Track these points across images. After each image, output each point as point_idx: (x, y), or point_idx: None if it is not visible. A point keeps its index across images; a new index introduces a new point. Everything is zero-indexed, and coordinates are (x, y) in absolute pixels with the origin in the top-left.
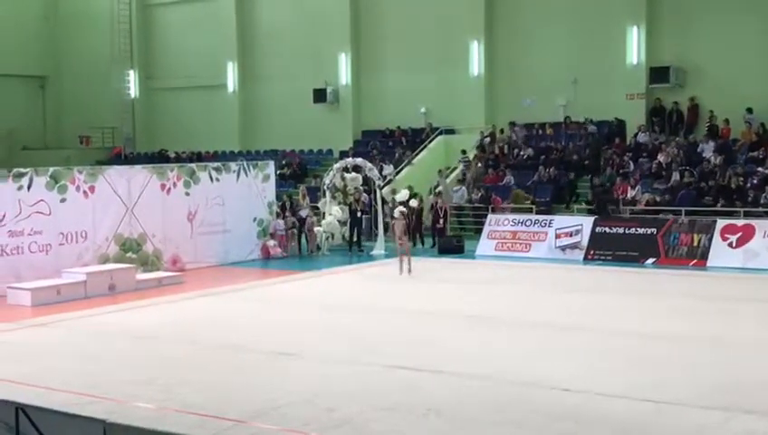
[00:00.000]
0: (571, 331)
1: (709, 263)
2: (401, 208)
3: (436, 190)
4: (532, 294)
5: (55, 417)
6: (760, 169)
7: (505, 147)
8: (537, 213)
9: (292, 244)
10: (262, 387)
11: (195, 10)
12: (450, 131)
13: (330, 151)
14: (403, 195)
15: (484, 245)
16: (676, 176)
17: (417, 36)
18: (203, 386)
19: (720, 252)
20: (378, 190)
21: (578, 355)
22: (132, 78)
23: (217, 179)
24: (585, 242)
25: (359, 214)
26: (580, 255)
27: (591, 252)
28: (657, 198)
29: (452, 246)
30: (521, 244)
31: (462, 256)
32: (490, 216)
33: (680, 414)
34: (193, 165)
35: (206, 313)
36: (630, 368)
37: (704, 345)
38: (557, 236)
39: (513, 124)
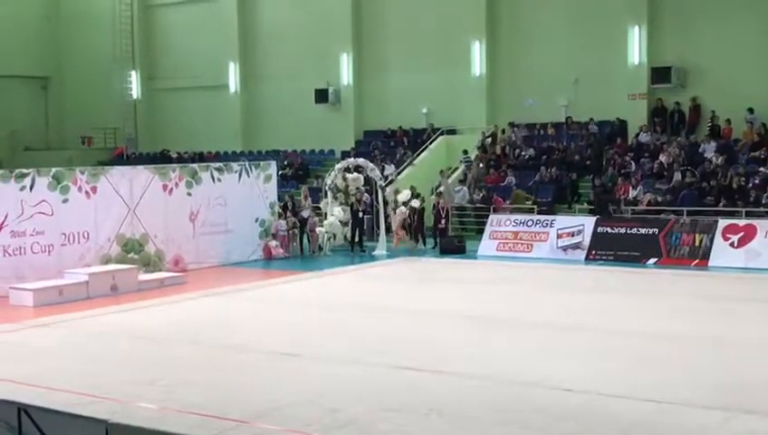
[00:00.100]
0: (573, 331)
1: (711, 263)
2: (403, 209)
3: (438, 191)
4: (533, 294)
5: (57, 417)
6: (761, 169)
7: (507, 147)
8: (539, 213)
9: (294, 244)
10: (264, 387)
11: (196, 10)
12: (452, 132)
13: (331, 152)
14: (405, 195)
15: (486, 245)
16: (677, 176)
17: (419, 36)
18: (205, 386)
19: (722, 252)
20: (379, 191)
21: (579, 355)
22: (134, 78)
23: (219, 180)
24: (587, 242)
25: (360, 214)
26: (581, 255)
27: (593, 252)
28: (659, 199)
29: (454, 246)
30: (522, 244)
31: (464, 256)
32: (492, 216)
33: (682, 414)
34: (195, 165)
35: (209, 313)
36: (632, 368)
37: (705, 345)
38: (559, 237)
39: (512, 125)
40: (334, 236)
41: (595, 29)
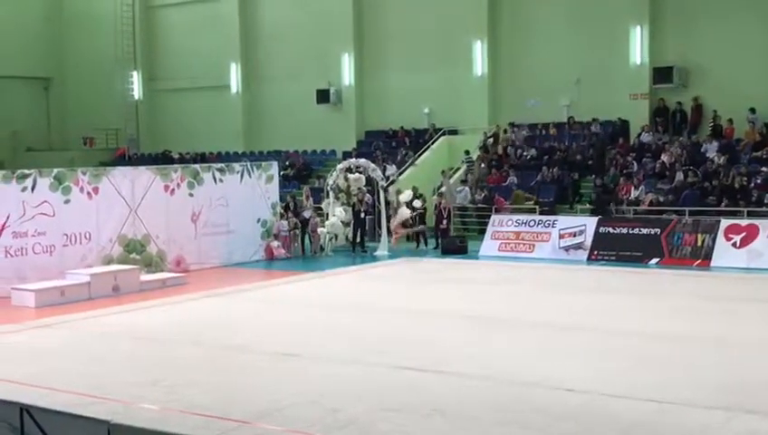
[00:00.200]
0: (574, 331)
1: (713, 263)
2: (405, 209)
3: (440, 191)
4: (534, 294)
5: (59, 418)
6: (763, 168)
7: (508, 147)
8: (540, 213)
9: (296, 245)
10: (266, 388)
11: (198, 11)
12: (453, 132)
13: (333, 152)
14: (407, 195)
15: (488, 245)
16: (679, 176)
17: (421, 36)
18: (207, 387)
19: (724, 252)
20: (381, 191)
21: (580, 355)
22: (136, 79)
23: (221, 180)
24: (589, 242)
25: (362, 215)
26: (583, 255)
27: (595, 252)
28: (661, 198)
29: (455, 246)
30: (524, 244)
31: (465, 256)
32: (493, 216)
33: (683, 414)
34: (197, 166)
35: (210, 313)
36: (633, 368)
37: (707, 345)
38: (560, 237)
39: (512, 125)
40: (336, 236)
41: (597, 29)
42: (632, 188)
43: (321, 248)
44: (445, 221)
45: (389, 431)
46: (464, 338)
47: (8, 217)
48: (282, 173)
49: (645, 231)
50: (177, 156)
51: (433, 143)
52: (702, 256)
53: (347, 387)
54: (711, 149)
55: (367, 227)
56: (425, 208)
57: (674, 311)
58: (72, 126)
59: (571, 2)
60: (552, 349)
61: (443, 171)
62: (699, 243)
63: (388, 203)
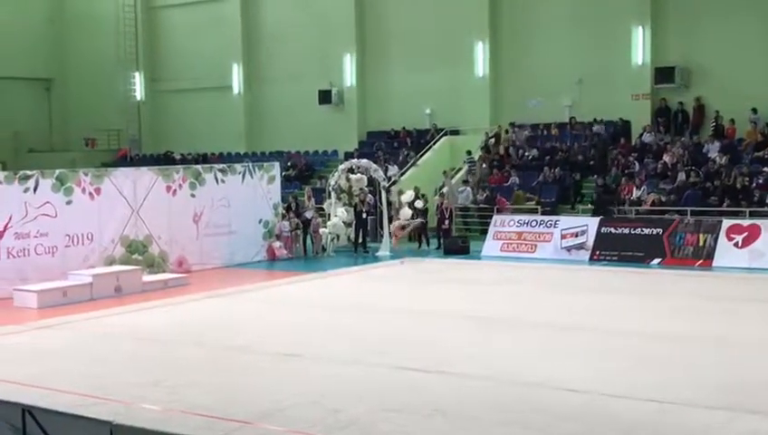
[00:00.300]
0: (575, 331)
1: (715, 263)
2: (406, 209)
3: (441, 191)
4: (536, 294)
5: (62, 418)
6: (765, 168)
7: (510, 148)
8: (542, 214)
9: (297, 245)
10: (268, 388)
11: (200, 12)
12: (455, 132)
13: (335, 152)
14: (408, 196)
15: (490, 245)
16: (681, 176)
17: (422, 37)
18: (209, 387)
19: (726, 252)
20: (383, 191)
21: (582, 355)
22: (138, 80)
23: (223, 181)
24: (591, 242)
25: (364, 215)
26: (585, 255)
27: (597, 252)
28: (663, 199)
29: (457, 246)
30: (526, 244)
31: (467, 256)
32: (495, 216)
33: (684, 414)
34: (198, 167)
35: (212, 314)
36: (634, 368)
37: (708, 345)
38: (562, 237)
39: (512, 125)
40: (338, 236)
41: (598, 29)
42: (634, 189)
43: (323, 249)
44: (446, 221)
45: (391, 432)
46: (465, 338)
47: (10, 218)
48: (283, 174)
49: (647, 231)
50: (178, 157)
51: (434, 144)
52: (704, 257)
53: (348, 387)
54: (713, 150)
55: (369, 228)
56: (426, 209)
57: (675, 311)
58: (74, 127)
59: (573, 2)
60: (553, 349)
61: (444, 172)
62: (701, 243)
63: (389, 203)
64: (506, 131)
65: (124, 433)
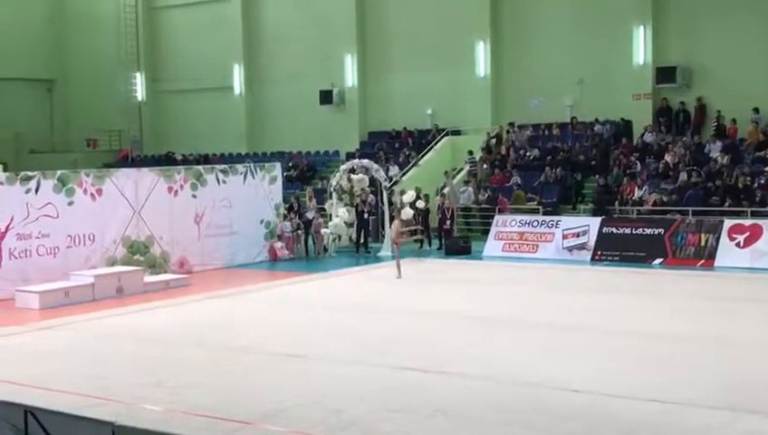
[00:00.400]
0: (577, 331)
1: (716, 263)
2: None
3: (443, 191)
4: (537, 294)
5: (64, 419)
6: (767, 168)
7: (510, 148)
8: (544, 214)
9: (299, 246)
10: (269, 389)
11: (201, 13)
12: (456, 132)
13: (336, 153)
14: (410, 196)
15: (492, 246)
16: (683, 176)
17: (423, 37)
18: (211, 388)
19: (727, 252)
20: (384, 192)
21: (583, 356)
22: (139, 81)
23: (224, 182)
24: (592, 243)
25: (365, 215)
26: (587, 255)
27: (598, 253)
28: (665, 199)
29: (459, 247)
30: (528, 245)
31: (469, 256)
32: (497, 216)
33: (686, 414)
34: (200, 167)
35: (214, 315)
36: (635, 368)
37: (709, 345)
38: (564, 237)
39: (512, 125)
40: (339, 237)
41: (600, 29)
42: (636, 189)
43: (325, 249)
44: (448, 222)
45: (392, 432)
46: (467, 338)
47: (12, 219)
48: (285, 174)
49: (648, 231)
50: (180, 157)
51: (436, 144)
52: (705, 256)
53: (350, 388)
54: (714, 149)
55: (370, 228)
56: (428, 209)
57: (676, 311)
58: (76, 128)
59: (574, 2)
60: (555, 349)
61: (446, 172)
62: (703, 243)
63: (391, 204)
64: (507, 132)
65: (126, 434)
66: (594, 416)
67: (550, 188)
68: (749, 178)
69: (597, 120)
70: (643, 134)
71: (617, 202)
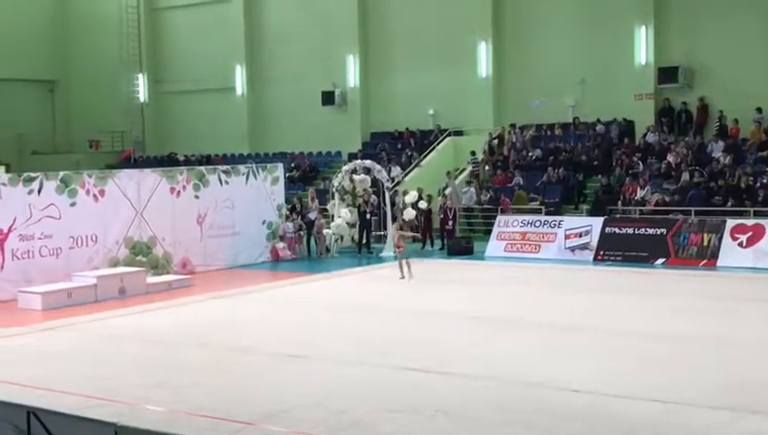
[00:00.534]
0: (579, 331)
1: (719, 263)
2: (410, 210)
3: (445, 192)
4: (540, 294)
5: (66, 420)
6: None
7: (511, 149)
8: (546, 214)
9: (301, 246)
10: (271, 389)
11: (203, 13)
12: (458, 133)
13: (338, 153)
14: (412, 196)
15: (494, 246)
16: (685, 176)
17: (425, 38)
18: (213, 389)
19: (730, 252)
20: (386, 192)
21: (585, 356)
22: (141, 82)
23: (227, 182)
24: (594, 243)
25: (367, 216)
26: (589, 255)
27: (601, 253)
28: (667, 199)
29: (461, 247)
30: (530, 245)
31: (471, 257)
32: (499, 217)
33: (687, 414)
34: (202, 168)
35: (216, 315)
36: (637, 368)
37: (711, 345)
38: (566, 237)
39: (513, 126)
40: (341, 237)
41: (601, 29)
42: (638, 189)
43: (327, 250)
44: (450, 222)
45: (393, 432)
46: (469, 339)
47: (15, 220)
48: (287, 175)
49: (651, 231)
50: (182, 158)
51: (438, 144)
52: (708, 256)
53: (352, 388)
54: (717, 149)
55: (372, 229)
56: (430, 209)
57: (678, 311)
58: (78, 129)
59: (576, 2)
60: (557, 349)
61: (448, 172)
62: (705, 243)
63: (393, 204)
64: (509, 132)
65: (128, 434)
66: (595, 416)
67: (552, 188)
68: (751, 178)
69: (599, 120)
70: (645, 134)
71: (619, 202)
